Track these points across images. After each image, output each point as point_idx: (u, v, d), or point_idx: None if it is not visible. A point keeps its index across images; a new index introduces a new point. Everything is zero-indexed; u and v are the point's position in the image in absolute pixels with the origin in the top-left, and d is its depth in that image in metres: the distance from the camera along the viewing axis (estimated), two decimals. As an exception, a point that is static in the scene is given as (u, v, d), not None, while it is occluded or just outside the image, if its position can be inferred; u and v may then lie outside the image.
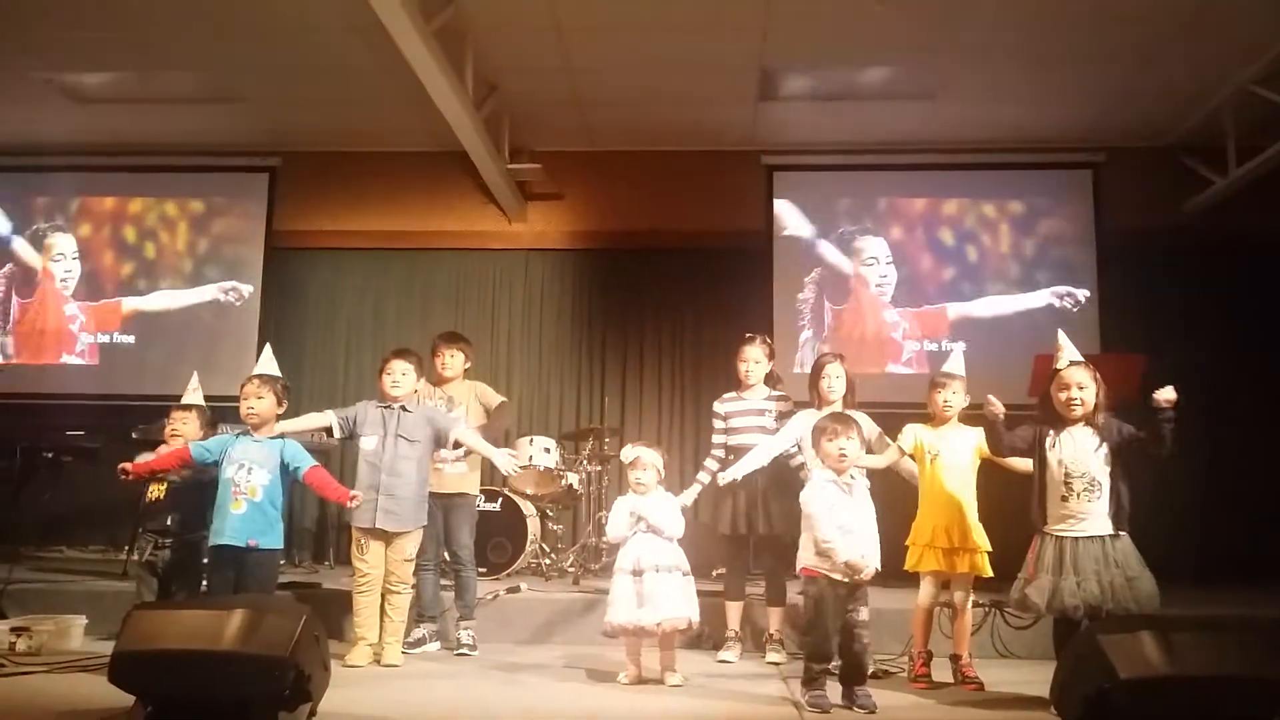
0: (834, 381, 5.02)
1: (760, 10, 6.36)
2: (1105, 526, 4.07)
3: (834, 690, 4.07)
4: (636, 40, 6.79)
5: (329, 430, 5.01)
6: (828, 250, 8.39)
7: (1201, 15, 6.28)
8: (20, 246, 8.83)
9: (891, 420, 5.00)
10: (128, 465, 4.59)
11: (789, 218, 8.44)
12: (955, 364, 4.88)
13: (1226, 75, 7.06)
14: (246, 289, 8.60)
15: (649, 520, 4.50)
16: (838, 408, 4.97)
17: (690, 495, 5.21)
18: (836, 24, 6.53)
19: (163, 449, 4.88)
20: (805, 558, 4.11)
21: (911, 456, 4.74)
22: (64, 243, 8.84)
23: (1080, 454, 4.13)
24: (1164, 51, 6.75)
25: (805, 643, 4.17)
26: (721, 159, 8.46)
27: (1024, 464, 4.56)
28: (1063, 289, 8.18)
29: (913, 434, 4.73)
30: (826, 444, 4.18)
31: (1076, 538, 4.07)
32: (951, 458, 4.66)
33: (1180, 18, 6.34)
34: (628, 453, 4.68)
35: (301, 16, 6.51)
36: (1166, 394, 4.03)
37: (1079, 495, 4.10)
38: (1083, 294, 8.15)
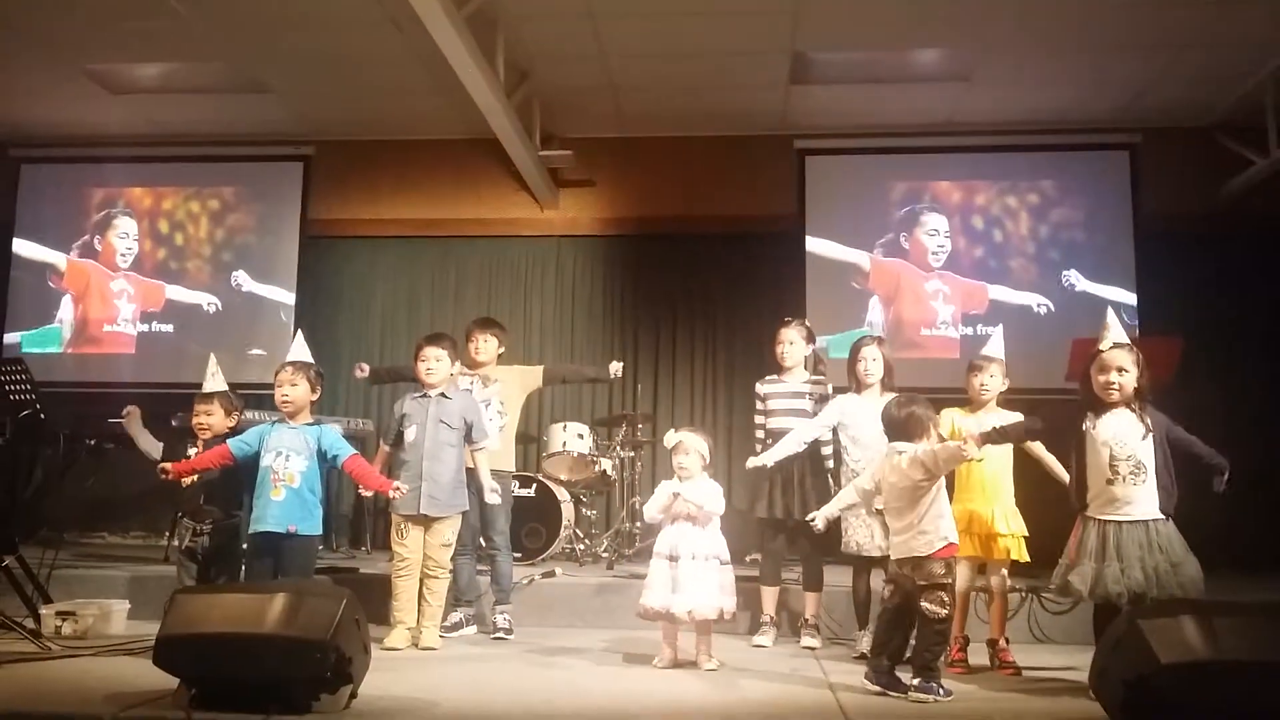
0: (870, 364, 4.99)
1: (792, -7, 6.33)
2: (1150, 511, 3.99)
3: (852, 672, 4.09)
4: (667, 25, 6.77)
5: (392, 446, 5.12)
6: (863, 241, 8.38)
7: (1241, -7, 6.19)
8: (52, 255, 8.98)
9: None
10: (167, 466, 4.63)
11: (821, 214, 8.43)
12: (994, 347, 4.84)
13: (1265, 53, 6.95)
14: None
15: (687, 496, 4.49)
16: (875, 391, 4.96)
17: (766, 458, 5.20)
18: (868, 6, 6.48)
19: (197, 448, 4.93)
20: (950, 535, 4.00)
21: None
22: (127, 224, 8.96)
23: (1125, 436, 4.04)
24: (1201, 31, 6.64)
25: (944, 632, 3.97)
26: (753, 144, 8.43)
27: (1055, 465, 4.54)
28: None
29: (950, 419, 4.68)
30: (936, 430, 4.13)
31: (1120, 522, 3.99)
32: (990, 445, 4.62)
33: (1220, -5, 6.25)
34: (670, 437, 4.67)
35: (334, 5, 6.54)
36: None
37: (1124, 479, 4.00)
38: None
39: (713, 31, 6.82)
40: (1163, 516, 4.01)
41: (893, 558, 4.11)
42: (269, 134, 8.70)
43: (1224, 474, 4.08)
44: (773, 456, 5.01)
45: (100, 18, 6.72)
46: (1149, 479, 4.00)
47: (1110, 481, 4.03)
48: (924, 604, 3.91)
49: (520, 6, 6.54)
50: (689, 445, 4.59)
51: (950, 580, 3.96)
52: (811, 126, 8.35)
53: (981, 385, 4.69)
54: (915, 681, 3.88)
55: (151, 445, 5.24)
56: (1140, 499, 4.00)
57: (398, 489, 4.69)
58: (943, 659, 4.49)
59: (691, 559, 4.45)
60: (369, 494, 4.83)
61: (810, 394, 5.22)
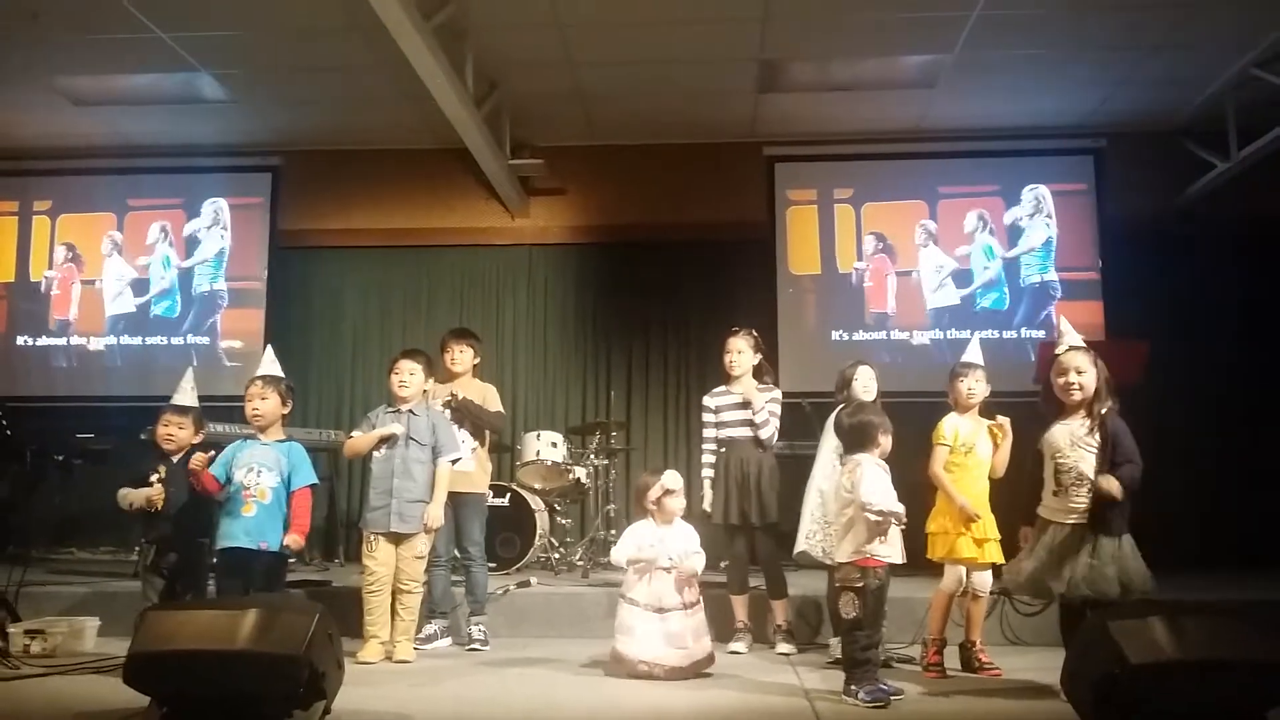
0: (869, 382, 5.07)
1: (759, 2, 6.35)
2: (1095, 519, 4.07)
3: (827, 678, 4.13)
4: (636, 34, 6.78)
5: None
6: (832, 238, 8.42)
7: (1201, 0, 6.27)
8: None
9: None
10: (156, 496, 4.61)
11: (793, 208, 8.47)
12: (974, 353, 4.88)
13: (1227, 59, 7.05)
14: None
15: (694, 566, 4.56)
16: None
17: (709, 497, 5.25)
18: (835, 14, 6.53)
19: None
20: (876, 551, 4.02)
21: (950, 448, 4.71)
22: (92, 236, 8.85)
23: (1069, 448, 4.13)
24: (1164, 36, 6.73)
25: (859, 636, 3.97)
26: (723, 151, 8.45)
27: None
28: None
29: (953, 427, 4.70)
30: (884, 437, 4.18)
31: (1062, 523, 4.09)
32: (982, 449, 4.67)
33: (1180, 3, 6.32)
34: (676, 480, 4.67)
35: (302, 16, 6.51)
36: (1110, 488, 4.00)
37: (1067, 490, 4.11)
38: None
39: (681, 40, 6.84)
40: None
41: (834, 560, 4.23)
42: (236, 144, 8.63)
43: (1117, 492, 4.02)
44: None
45: (63, 29, 6.65)
46: (1087, 487, 4.07)
47: (1055, 492, 4.15)
48: (837, 605, 4.02)
49: (489, 16, 6.53)
50: (682, 489, 4.67)
51: (861, 584, 3.99)
52: (780, 134, 8.39)
53: (969, 390, 4.71)
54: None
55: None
56: (1080, 506, 4.08)
57: (299, 547, 4.67)
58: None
59: (681, 610, 4.50)
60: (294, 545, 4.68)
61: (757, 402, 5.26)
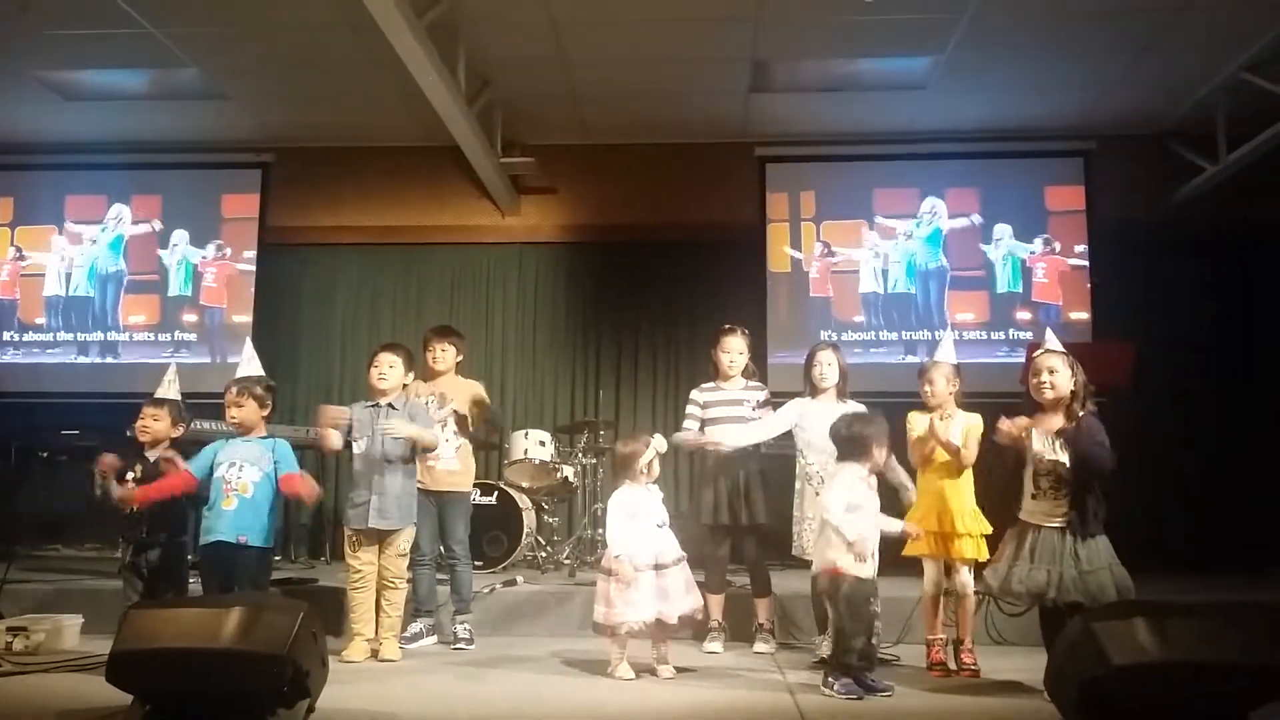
0: (825, 369, 5.05)
1: (751, 1, 6.35)
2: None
3: (811, 677, 4.21)
4: (628, 33, 6.78)
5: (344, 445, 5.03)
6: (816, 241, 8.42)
7: (1191, 3, 6.28)
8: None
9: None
10: (128, 495, 4.53)
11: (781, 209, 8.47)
12: (941, 352, 4.91)
13: (1217, 63, 7.07)
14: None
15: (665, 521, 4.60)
16: (831, 396, 5.02)
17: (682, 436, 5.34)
18: (827, 15, 6.53)
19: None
20: (833, 558, 4.09)
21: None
22: (81, 231, 8.78)
23: (1046, 451, 4.18)
24: (1155, 40, 6.75)
25: (843, 641, 4.04)
26: (714, 151, 8.45)
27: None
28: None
29: (918, 422, 4.76)
30: (879, 450, 4.26)
31: (1040, 526, 4.14)
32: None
33: (1170, 6, 6.34)
34: (664, 444, 4.71)
35: (294, 12, 6.49)
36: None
37: (1045, 492, 4.17)
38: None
39: (674, 39, 6.84)
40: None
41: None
42: (227, 141, 8.60)
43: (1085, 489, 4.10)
44: (732, 440, 5.12)
45: (52, 24, 6.62)
46: (1066, 489, 4.13)
47: (1034, 496, 4.21)
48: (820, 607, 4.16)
49: (481, 14, 6.52)
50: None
51: (830, 591, 4.11)
52: (772, 134, 8.38)
53: (925, 391, 4.78)
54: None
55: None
56: (1060, 509, 4.13)
57: (312, 490, 4.65)
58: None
59: (674, 564, 4.50)
60: (310, 500, 4.78)
61: (750, 401, 5.27)
